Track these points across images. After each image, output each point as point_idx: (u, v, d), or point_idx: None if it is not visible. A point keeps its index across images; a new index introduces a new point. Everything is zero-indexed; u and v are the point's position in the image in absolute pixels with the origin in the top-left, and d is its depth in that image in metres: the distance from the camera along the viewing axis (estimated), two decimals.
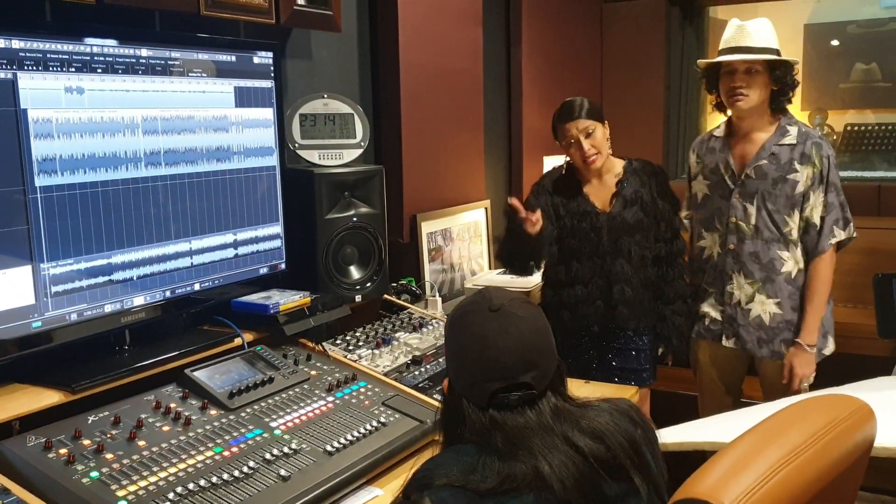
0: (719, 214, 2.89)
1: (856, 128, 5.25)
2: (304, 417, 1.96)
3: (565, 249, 2.89)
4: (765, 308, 2.83)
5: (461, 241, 3.66)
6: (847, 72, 5.50)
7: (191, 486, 1.62)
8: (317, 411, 2.01)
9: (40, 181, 1.82)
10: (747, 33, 2.74)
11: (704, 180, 2.94)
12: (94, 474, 1.59)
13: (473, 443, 1.34)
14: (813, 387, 2.86)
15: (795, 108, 5.77)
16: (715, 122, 4.95)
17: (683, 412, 2.51)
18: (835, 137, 5.44)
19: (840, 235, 2.78)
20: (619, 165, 2.90)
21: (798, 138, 2.80)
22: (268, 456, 1.77)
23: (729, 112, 2.93)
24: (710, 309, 2.94)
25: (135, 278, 2.07)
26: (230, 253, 2.34)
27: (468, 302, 1.46)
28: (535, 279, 3.13)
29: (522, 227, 2.64)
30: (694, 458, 1.35)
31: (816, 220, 2.77)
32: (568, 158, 2.94)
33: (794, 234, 2.79)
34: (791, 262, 2.80)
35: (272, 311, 2.30)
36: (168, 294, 2.17)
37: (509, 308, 1.40)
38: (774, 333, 2.83)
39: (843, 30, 5.52)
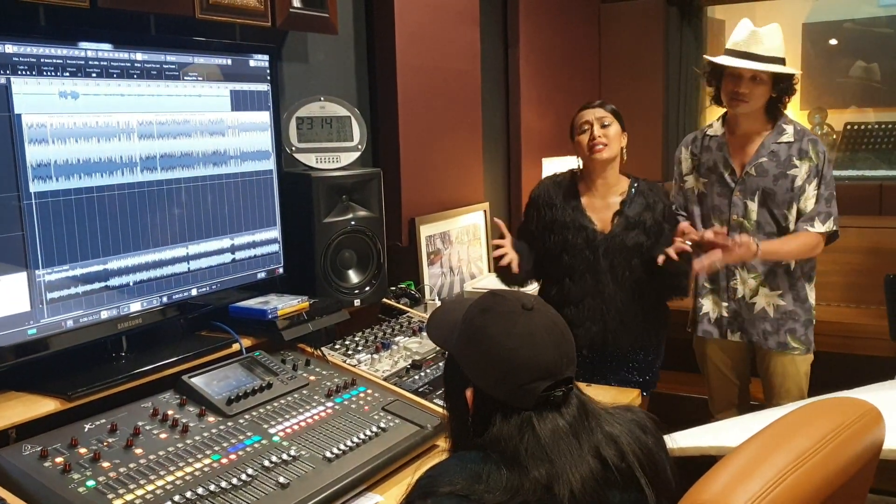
0: (718, 212, 2.93)
1: (856, 127, 5.24)
2: (303, 423, 1.94)
3: (560, 266, 2.76)
4: (769, 301, 2.89)
5: (460, 244, 3.64)
6: (846, 69, 5.49)
7: (189, 494, 1.60)
8: (316, 417, 1.99)
9: (35, 187, 1.80)
10: (759, 39, 2.77)
11: (701, 178, 2.96)
12: (91, 483, 1.57)
13: (478, 449, 1.32)
14: (818, 391, 2.87)
15: (795, 107, 5.79)
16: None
17: (689, 415, 2.49)
18: (834, 137, 5.43)
19: (819, 228, 2.81)
20: (624, 184, 2.79)
21: (795, 136, 2.87)
22: (266, 463, 1.75)
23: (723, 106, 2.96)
24: (713, 305, 2.96)
25: (131, 284, 2.05)
26: (227, 258, 2.33)
27: (491, 305, 1.38)
28: (534, 285, 3.07)
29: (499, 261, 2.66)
30: (702, 462, 1.33)
31: (808, 210, 2.84)
32: (576, 166, 2.85)
33: (792, 228, 2.85)
34: None
35: (270, 317, 2.28)
36: (165, 300, 2.15)
37: (539, 306, 1.37)
38: (780, 325, 2.89)
39: (841, 28, 5.51)
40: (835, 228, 2.85)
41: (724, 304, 2.94)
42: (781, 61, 2.79)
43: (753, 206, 2.85)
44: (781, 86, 2.80)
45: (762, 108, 2.85)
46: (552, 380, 1.32)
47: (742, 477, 1.09)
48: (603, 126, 2.72)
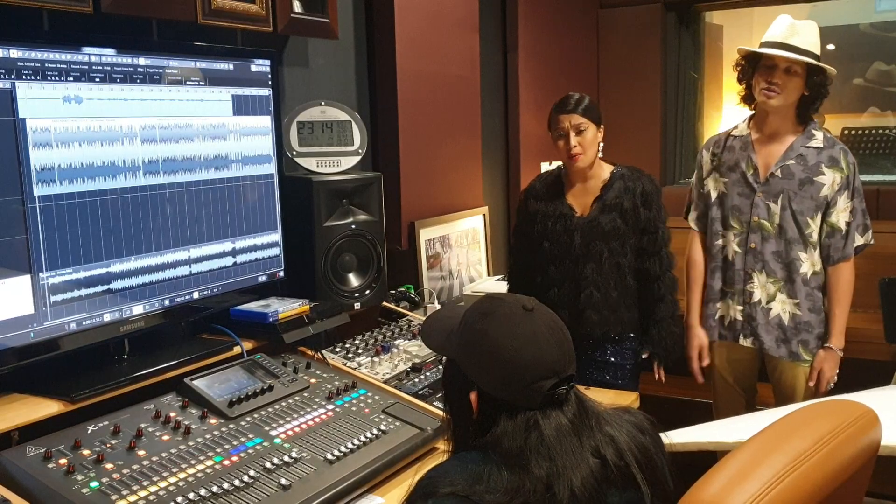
0: (738, 213, 2.88)
1: (853, 132, 5.26)
2: (304, 426, 1.96)
3: (542, 253, 2.85)
4: (785, 308, 2.84)
5: (459, 247, 3.66)
6: (843, 75, 5.50)
7: (191, 495, 1.61)
8: (317, 419, 2.00)
9: (39, 190, 1.82)
10: (797, 32, 2.75)
11: (721, 178, 2.92)
12: (94, 484, 1.58)
13: (479, 449, 1.33)
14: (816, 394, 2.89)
15: None
16: (710, 126, 4.98)
17: (692, 420, 2.49)
18: None
19: (859, 241, 2.83)
20: (607, 171, 2.84)
21: (825, 143, 2.82)
22: (268, 465, 1.76)
23: (752, 107, 2.94)
24: (729, 309, 2.93)
25: (134, 287, 2.06)
26: (229, 261, 2.34)
27: (491, 309, 1.40)
28: None
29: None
30: (702, 463, 1.34)
31: (843, 225, 2.80)
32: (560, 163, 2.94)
33: (815, 237, 2.81)
34: (808, 263, 2.82)
35: (271, 320, 2.29)
36: (167, 303, 2.16)
37: (537, 306, 1.40)
38: (793, 334, 2.85)
39: (838, 33, 5.53)
40: (871, 241, 2.85)
41: (739, 307, 2.89)
42: (817, 58, 2.76)
43: (776, 209, 2.79)
44: (815, 80, 2.75)
45: (793, 108, 2.81)
46: (556, 378, 1.34)
47: (740, 478, 1.10)
48: (579, 133, 2.74)
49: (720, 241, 2.94)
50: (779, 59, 2.74)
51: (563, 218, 2.81)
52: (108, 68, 1.97)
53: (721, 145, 2.97)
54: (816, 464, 1.17)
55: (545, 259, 2.84)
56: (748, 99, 2.91)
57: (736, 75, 2.95)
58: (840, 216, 2.79)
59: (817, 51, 2.77)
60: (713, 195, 2.95)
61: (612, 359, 2.84)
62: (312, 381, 2.18)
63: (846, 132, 5.29)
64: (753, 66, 2.83)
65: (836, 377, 2.85)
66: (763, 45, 2.81)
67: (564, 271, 2.81)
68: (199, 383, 1.98)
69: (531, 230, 2.89)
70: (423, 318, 2.83)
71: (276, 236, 2.49)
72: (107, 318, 2.00)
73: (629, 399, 2.43)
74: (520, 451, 1.29)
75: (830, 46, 5.65)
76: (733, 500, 1.05)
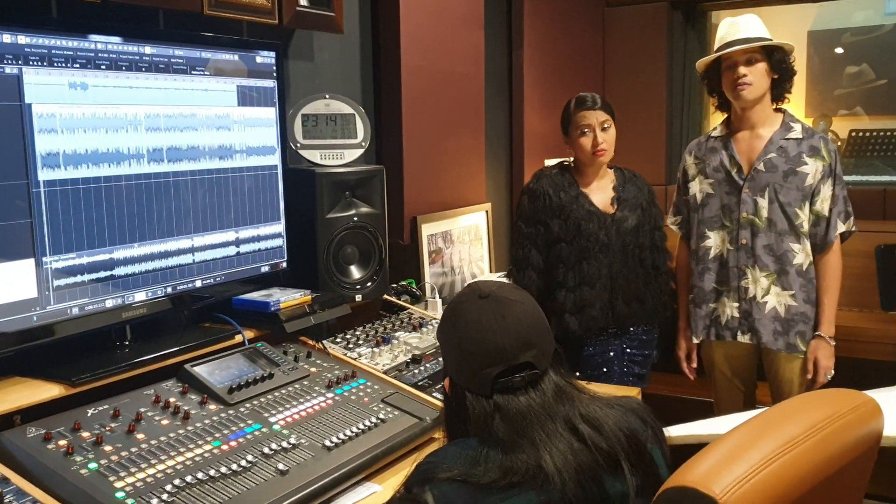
0: (727, 211, 2.91)
1: (860, 133, 5.25)
2: (303, 413, 1.97)
3: (574, 250, 2.88)
4: (780, 300, 2.85)
5: (462, 243, 3.67)
6: (847, 78, 5.51)
7: (188, 478, 1.62)
8: (316, 407, 2.01)
9: (44, 175, 1.84)
10: (740, 27, 2.82)
11: (706, 179, 2.95)
12: (93, 466, 1.60)
13: (476, 435, 1.35)
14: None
15: (800, 114, 5.81)
16: (715, 125, 4.98)
17: (696, 417, 2.50)
18: (839, 143, 5.44)
19: (841, 227, 2.85)
20: (611, 172, 3.00)
21: (804, 133, 2.86)
22: (266, 450, 1.77)
23: (728, 112, 2.98)
24: (725, 307, 2.94)
25: (136, 274, 2.08)
26: (232, 251, 2.35)
27: (457, 296, 1.48)
28: None
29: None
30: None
31: (826, 212, 2.84)
32: (567, 159, 2.99)
33: (805, 227, 2.83)
34: (802, 254, 2.83)
35: (273, 309, 2.31)
36: (169, 290, 2.17)
37: (499, 293, 1.42)
38: (790, 325, 2.85)
39: (846, 36, 5.53)
40: (854, 228, 2.87)
41: (735, 304, 2.91)
42: (768, 39, 2.81)
43: (764, 203, 2.82)
44: (776, 58, 2.80)
45: (768, 96, 2.86)
46: (504, 365, 1.36)
47: (728, 460, 1.10)
48: (604, 129, 2.88)
49: (709, 242, 2.96)
50: (735, 54, 2.80)
51: (594, 216, 2.90)
52: (115, 56, 1.99)
53: (703, 148, 3.01)
54: (809, 448, 1.17)
55: (575, 256, 2.89)
56: (724, 105, 2.98)
57: (706, 89, 3.05)
58: (824, 204, 2.83)
59: (767, 35, 2.83)
60: (699, 197, 2.99)
61: (647, 351, 3.01)
62: (313, 369, 2.19)
63: (853, 134, 5.28)
64: (718, 74, 2.89)
65: (832, 369, 2.86)
66: (716, 51, 2.88)
67: (598, 268, 2.88)
68: (200, 369, 2.00)
69: (554, 224, 2.90)
70: (425, 312, 2.85)
71: (279, 227, 2.50)
72: (109, 304, 2.02)
73: (631, 393, 2.43)
74: (495, 435, 1.32)
75: (839, 49, 5.65)
76: (720, 481, 1.06)
